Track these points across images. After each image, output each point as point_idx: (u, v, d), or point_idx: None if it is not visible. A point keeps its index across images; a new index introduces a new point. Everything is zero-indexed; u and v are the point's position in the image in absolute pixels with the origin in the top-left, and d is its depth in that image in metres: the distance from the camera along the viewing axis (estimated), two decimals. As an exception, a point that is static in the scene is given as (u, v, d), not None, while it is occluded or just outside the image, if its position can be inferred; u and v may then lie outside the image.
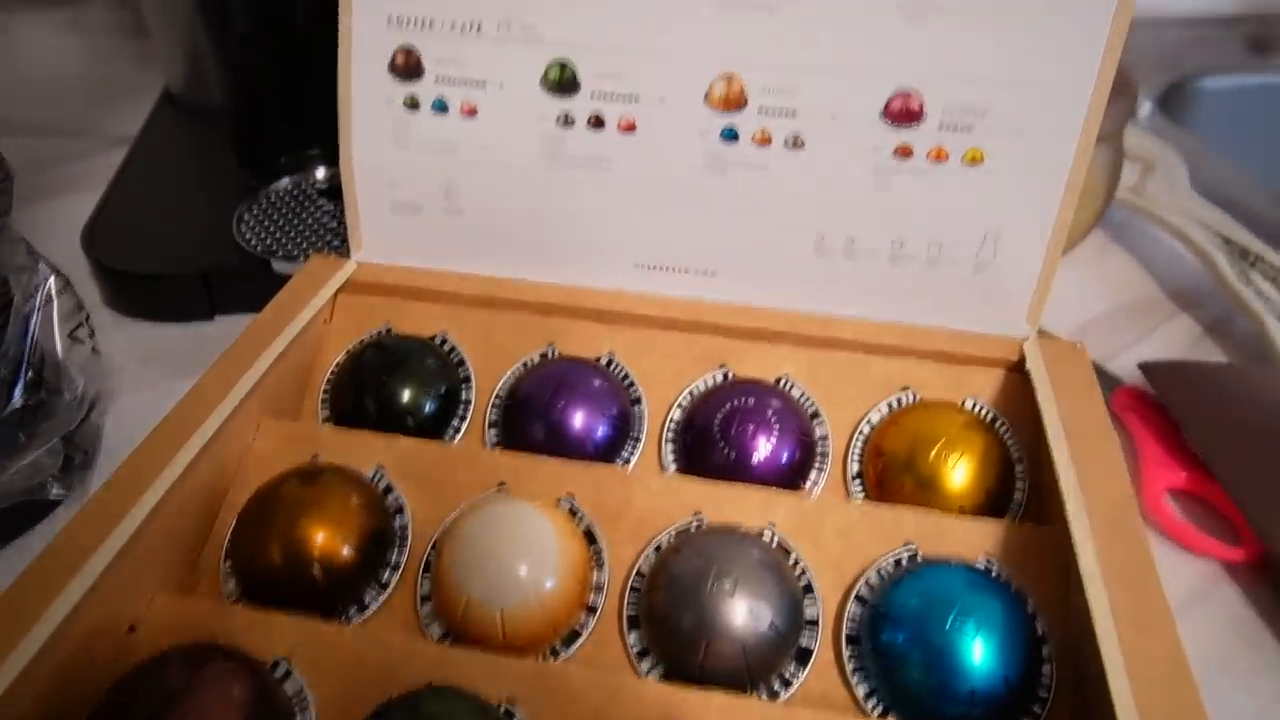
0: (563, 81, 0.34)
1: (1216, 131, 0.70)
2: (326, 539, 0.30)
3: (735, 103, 0.33)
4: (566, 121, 0.34)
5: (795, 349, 0.36)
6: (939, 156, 0.32)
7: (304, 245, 0.44)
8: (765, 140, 0.33)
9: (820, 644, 0.28)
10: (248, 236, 0.44)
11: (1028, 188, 0.32)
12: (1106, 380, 0.40)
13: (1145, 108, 0.66)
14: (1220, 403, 0.36)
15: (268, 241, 0.44)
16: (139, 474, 0.29)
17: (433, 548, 0.31)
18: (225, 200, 0.47)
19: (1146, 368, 0.38)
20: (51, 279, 0.32)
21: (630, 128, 0.34)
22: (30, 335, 0.30)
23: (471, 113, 0.35)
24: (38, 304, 0.31)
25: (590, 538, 0.31)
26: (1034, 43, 0.30)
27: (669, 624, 0.28)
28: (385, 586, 0.30)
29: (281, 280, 0.43)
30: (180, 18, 0.53)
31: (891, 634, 0.28)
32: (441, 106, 0.35)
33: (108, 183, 0.50)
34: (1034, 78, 0.31)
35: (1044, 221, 0.32)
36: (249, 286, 0.43)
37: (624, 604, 0.29)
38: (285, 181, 0.49)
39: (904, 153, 0.32)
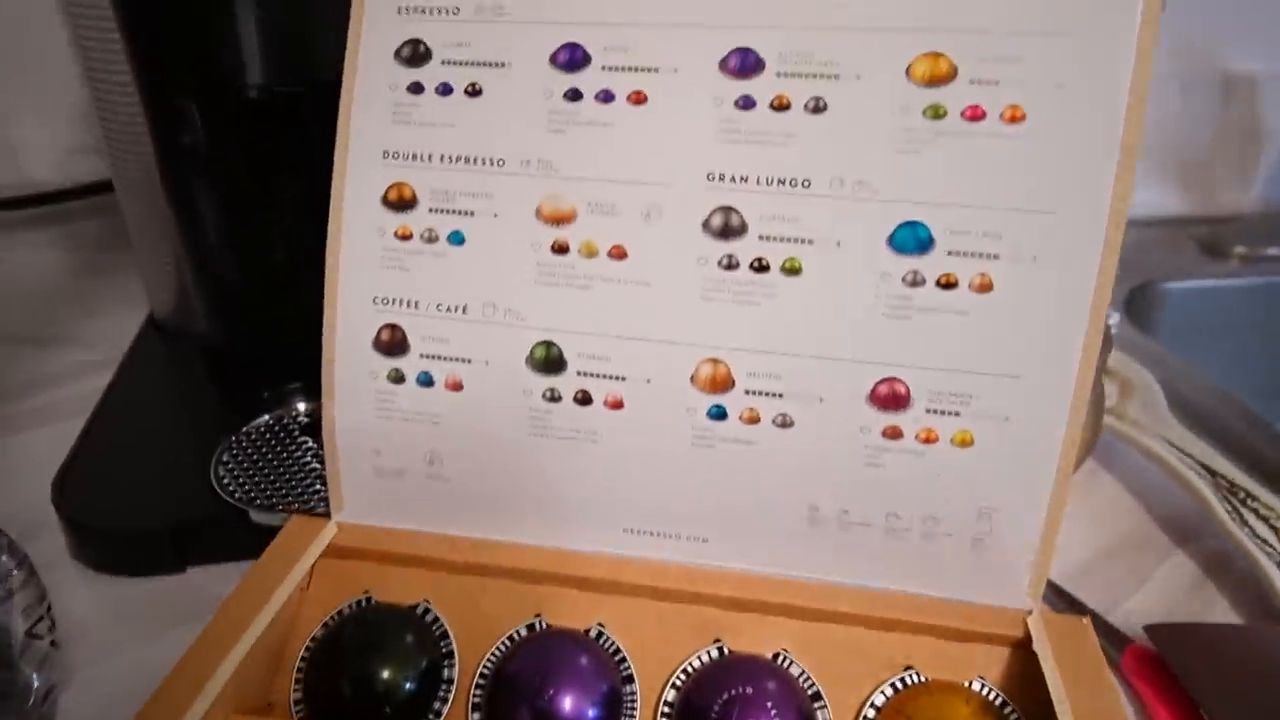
0: (549, 361, 0.34)
1: (1181, 335, 0.73)
2: None
3: (722, 385, 0.33)
4: (553, 398, 0.34)
5: (792, 621, 0.34)
6: (928, 439, 0.32)
7: (283, 491, 0.43)
8: (753, 419, 0.33)
9: None
10: (226, 482, 0.43)
11: (1018, 469, 0.32)
12: (1114, 638, 0.39)
13: (1114, 317, 0.68)
14: (1233, 671, 0.35)
15: (246, 487, 0.43)
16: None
17: None
18: (204, 438, 0.46)
19: (1154, 632, 0.37)
20: (14, 574, 0.31)
21: (618, 405, 0.34)
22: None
23: (457, 387, 0.35)
24: (-3, 599, 0.30)
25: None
26: (1014, 340, 0.31)
27: None
28: None
29: (259, 530, 0.42)
30: (163, 249, 0.54)
31: None
32: (427, 381, 0.35)
33: (85, 415, 0.49)
34: (1017, 371, 0.31)
35: (1038, 500, 0.32)
36: (225, 538, 0.42)
37: None
38: (266, 418, 0.48)
39: (893, 434, 0.32)
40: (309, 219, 0.40)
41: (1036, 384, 0.31)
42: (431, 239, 0.35)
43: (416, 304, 0.35)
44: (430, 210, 0.34)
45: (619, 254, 0.33)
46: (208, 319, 0.50)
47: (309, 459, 0.46)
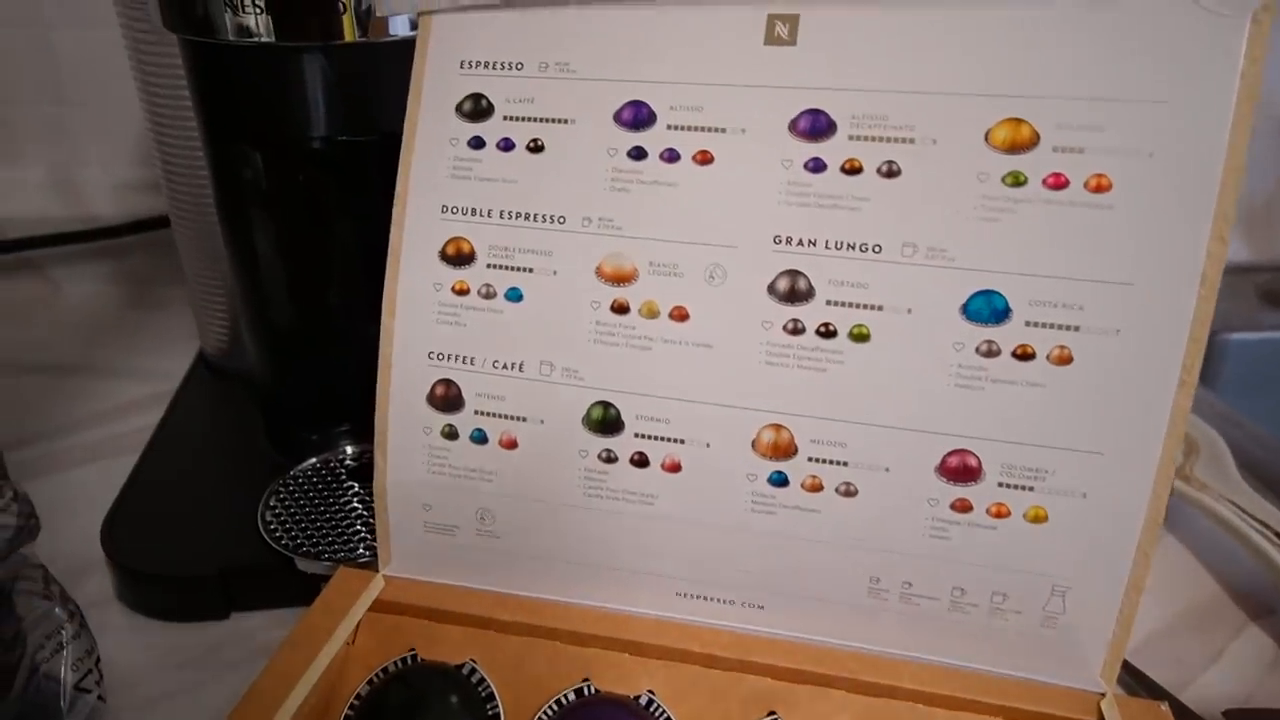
0: (605, 421, 0.33)
1: (1244, 388, 0.70)
2: None
3: (784, 451, 0.32)
4: (609, 459, 0.34)
5: (850, 696, 0.33)
6: (999, 513, 0.31)
7: (330, 538, 0.43)
8: (816, 487, 0.32)
9: None
10: (273, 528, 0.43)
11: (1096, 549, 0.31)
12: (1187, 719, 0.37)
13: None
14: (1320, 764, 0.33)
15: (293, 533, 0.43)
16: None
17: None
18: (252, 480, 0.46)
19: (1233, 717, 0.35)
20: (65, 629, 0.31)
21: (675, 468, 0.33)
22: (33, 687, 0.28)
23: (511, 445, 0.34)
24: (46, 655, 0.29)
25: None
26: (1094, 414, 0.30)
27: None
28: None
29: (305, 579, 0.42)
30: (216, 288, 0.55)
31: None
32: (481, 438, 0.35)
33: (134, 452, 0.50)
34: (1097, 446, 0.30)
35: (1115, 580, 0.31)
36: (271, 583, 0.42)
37: None
38: (313, 461, 0.48)
39: (962, 507, 0.31)
40: (364, 266, 0.40)
41: (1117, 461, 0.30)
42: (489, 295, 0.34)
43: (472, 360, 0.34)
44: (488, 266, 0.34)
45: (681, 315, 0.33)
46: (258, 359, 0.50)
47: (355, 504, 0.45)
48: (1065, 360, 0.30)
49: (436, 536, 0.36)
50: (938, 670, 0.33)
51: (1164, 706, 0.31)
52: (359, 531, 0.44)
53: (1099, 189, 0.29)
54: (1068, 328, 0.30)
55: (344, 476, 0.48)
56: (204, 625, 0.42)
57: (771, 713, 0.33)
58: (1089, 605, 0.31)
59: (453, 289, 0.34)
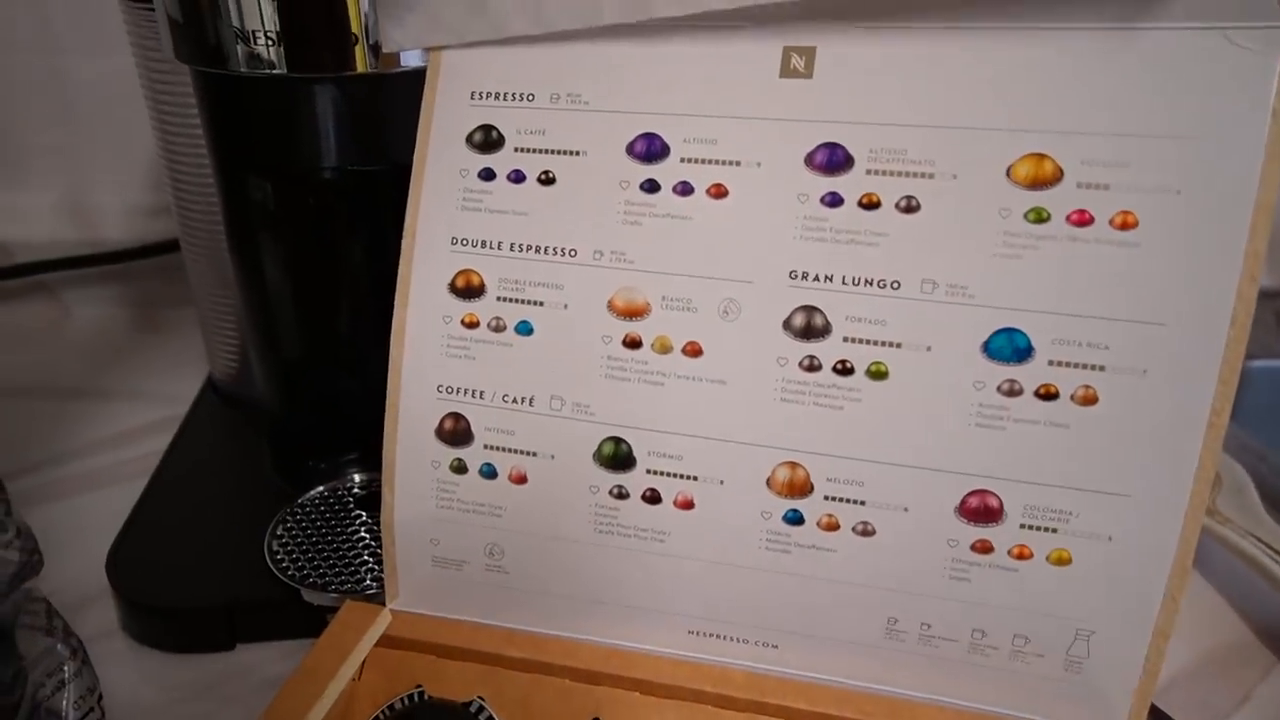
0: (617, 457, 0.33)
1: (1267, 419, 0.69)
2: None
3: (800, 489, 0.32)
4: (620, 495, 0.33)
5: (867, 740, 0.32)
6: (1021, 555, 0.30)
7: (337, 570, 0.42)
8: (832, 526, 0.31)
9: None
10: (280, 558, 0.43)
11: (1122, 593, 0.30)
12: (1213, 766, 0.36)
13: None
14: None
15: (300, 564, 0.42)
16: None
17: None
18: (259, 509, 0.46)
19: (1262, 765, 0.34)
20: (67, 666, 0.30)
21: (688, 505, 0.33)
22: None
23: (521, 480, 0.34)
24: (48, 692, 0.29)
25: None
26: (1120, 456, 0.29)
27: None
28: None
29: (310, 611, 0.41)
30: (226, 312, 0.54)
31: None
32: (490, 473, 0.34)
33: (140, 479, 0.49)
34: (1123, 488, 0.29)
35: (1141, 624, 0.30)
36: (277, 615, 0.41)
37: None
38: (321, 489, 0.48)
39: (983, 549, 0.30)
40: (373, 295, 0.39)
41: (1144, 504, 0.29)
42: (499, 328, 0.34)
43: (481, 394, 0.34)
44: (498, 299, 0.34)
45: (694, 351, 0.32)
46: (266, 386, 0.50)
47: (363, 534, 0.45)
48: (1090, 400, 0.29)
49: (444, 571, 0.36)
50: (957, 713, 0.32)
51: (1192, 757, 0.30)
52: (366, 562, 0.43)
53: (1125, 226, 0.28)
54: (1093, 367, 0.29)
55: (352, 505, 0.47)
56: (208, 657, 0.41)
57: (786, 757, 0.32)
58: (1114, 650, 0.31)
59: (462, 321, 0.34)
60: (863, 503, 0.31)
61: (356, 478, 0.49)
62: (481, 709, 0.34)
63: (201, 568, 0.43)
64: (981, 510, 0.31)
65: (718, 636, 0.34)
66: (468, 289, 0.34)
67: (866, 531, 0.32)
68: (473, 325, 0.34)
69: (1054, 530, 0.30)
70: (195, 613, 0.40)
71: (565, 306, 0.33)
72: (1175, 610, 0.30)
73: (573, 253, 0.33)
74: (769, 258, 0.31)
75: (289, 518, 0.46)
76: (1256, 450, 0.57)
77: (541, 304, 0.33)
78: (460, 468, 0.35)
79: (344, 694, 0.34)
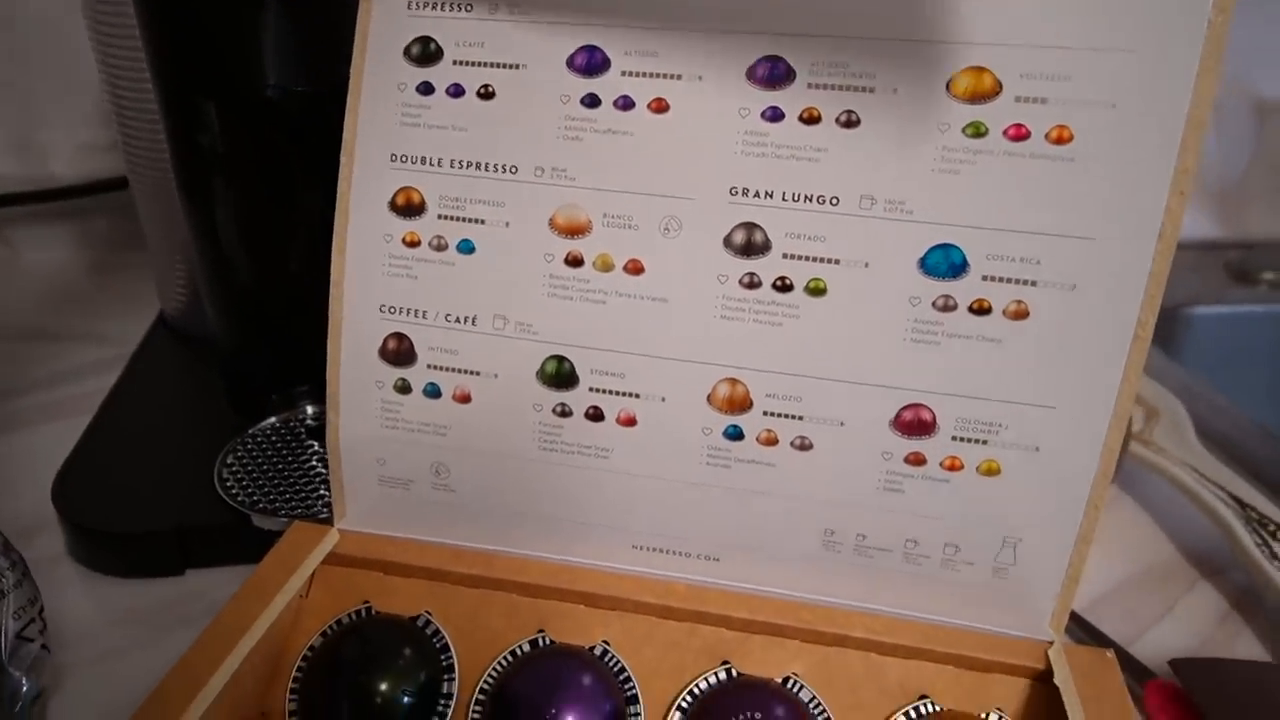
0: (560, 375, 0.33)
1: (1207, 361, 0.71)
2: None
3: (740, 405, 0.32)
4: (563, 413, 0.33)
5: (804, 645, 0.33)
6: (953, 466, 0.31)
7: (287, 496, 0.42)
8: (771, 441, 0.32)
9: None
10: (230, 485, 0.43)
11: (1048, 501, 0.31)
12: (1135, 670, 0.38)
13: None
14: (1262, 711, 0.33)
15: (250, 491, 0.42)
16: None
17: None
18: (210, 440, 0.45)
19: (1179, 666, 0.36)
20: (6, 576, 0.30)
21: (630, 422, 0.33)
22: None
23: (465, 399, 0.34)
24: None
25: None
26: (1049, 369, 0.30)
27: None
28: None
29: (261, 535, 0.41)
30: (176, 246, 0.54)
31: None
32: (434, 392, 0.34)
33: (91, 413, 0.49)
34: (1050, 400, 0.30)
35: (1066, 533, 0.31)
36: (226, 541, 0.41)
37: None
38: (273, 420, 0.47)
39: (916, 460, 0.31)
40: (323, 224, 0.39)
41: (1071, 415, 0.30)
42: (440, 247, 0.34)
43: (424, 314, 0.34)
44: (439, 217, 0.34)
45: (636, 269, 0.32)
46: (218, 320, 0.49)
47: (314, 463, 0.45)
48: (1022, 315, 0.30)
49: (391, 490, 0.36)
50: (890, 620, 0.33)
51: (1109, 653, 0.32)
52: (318, 490, 0.43)
53: (1060, 140, 0.29)
54: (1025, 282, 0.30)
55: (304, 436, 0.47)
56: (158, 582, 0.41)
57: (725, 662, 0.33)
58: (1039, 556, 0.32)
59: (403, 240, 0.34)
60: (801, 418, 0.32)
61: (309, 409, 0.49)
62: (428, 623, 0.35)
63: (149, 493, 0.43)
64: (915, 424, 0.31)
65: (661, 551, 0.35)
66: (408, 207, 0.34)
67: (804, 446, 0.32)
68: (414, 244, 0.34)
69: (984, 442, 0.31)
70: (143, 537, 0.40)
71: (507, 225, 0.33)
72: (1096, 517, 0.31)
73: (513, 169, 0.33)
74: (710, 174, 0.31)
75: (239, 447, 0.46)
76: (1196, 390, 0.59)
77: (483, 222, 0.33)
78: (404, 387, 0.35)
79: (290, 609, 0.35)
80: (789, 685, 0.33)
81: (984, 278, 0.30)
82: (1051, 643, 0.32)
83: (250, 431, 0.47)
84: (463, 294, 0.34)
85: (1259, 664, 0.39)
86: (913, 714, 0.32)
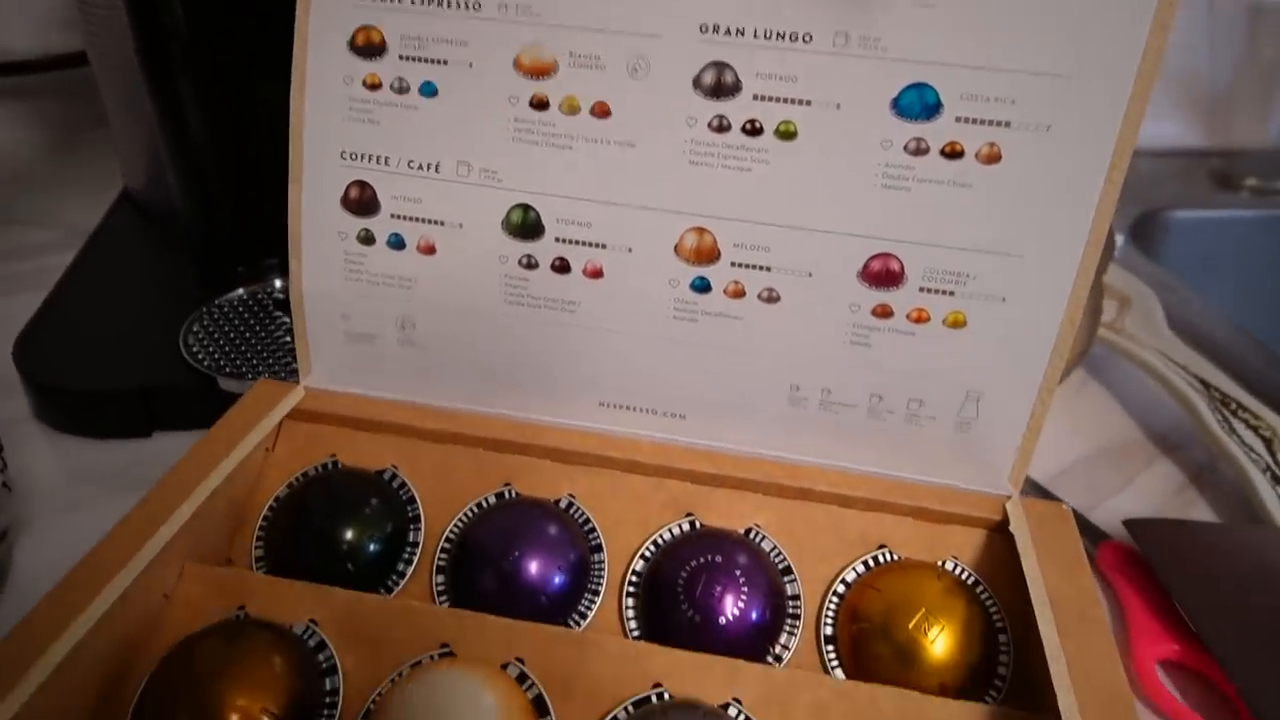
0: (525, 225, 0.32)
1: (1186, 264, 0.71)
2: (244, 707, 0.27)
3: (707, 255, 0.32)
4: (529, 264, 0.33)
5: (767, 499, 0.34)
6: (919, 318, 0.31)
7: (255, 363, 0.42)
8: (738, 293, 0.32)
9: (789, 839, 0.26)
10: (195, 350, 0.42)
11: (1012, 353, 0.31)
12: (1091, 533, 0.38)
13: (1117, 239, 0.66)
14: (1210, 567, 0.34)
15: (216, 356, 0.42)
16: (36, 634, 0.26)
17: (364, 718, 0.28)
18: (176, 309, 0.45)
19: (1132, 525, 0.37)
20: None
21: (597, 273, 0.33)
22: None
23: (429, 250, 0.33)
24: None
25: (541, 708, 0.28)
26: (1019, 215, 0.29)
27: (622, 816, 0.25)
28: (310, 759, 0.27)
29: (228, 399, 0.41)
30: (140, 118, 0.52)
31: (867, 833, 0.25)
32: (398, 242, 0.34)
33: (51, 288, 0.48)
34: (1019, 249, 0.30)
35: (1029, 385, 0.31)
36: (192, 404, 0.41)
37: (573, 787, 0.26)
38: (240, 292, 0.47)
39: (883, 313, 0.31)
40: (289, 93, 0.38)
41: (1039, 264, 0.30)
42: (402, 89, 0.33)
43: (386, 160, 0.33)
44: (401, 57, 0.32)
45: (602, 111, 0.31)
46: (182, 194, 0.48)
47: (282, 334, 0.45)
48: (994, 159, 0.29)
49: (357, 346, 0.36)
50: (853, 476, 0.34)
51: (1065, 506, 0.32)
52: (286, 360, 0.43)
53: (1037, -27, 0.28)
54: (999, 123, 0.29)
55: (272, 308, 0.46)
56: (125, 444, 0.41)
57: (689, 515, 0.34)
58: (1001, 410, 0.32)
59: (364, 83, 0.33)
60: (768, 269, 0.32)
61: (278, 283, 0.48)
62: (395, 476, 0.35)
63: (113, 354, 0.42)
64: (883, 274, 0.31)
65: (627, 408, 0.35)
66: (368, 46, 0.33)
67: (771, 298, 0.32)
68: (375, 86, 0.33)
69: (951, 293, 0.31)
70: (106, 395, 0.40)
71: (470, 65, 0.32)
72: (1061, 367, 0.31)
73: (476, 5, 0.31)
74: (678, 8, 0.30)
75: (206, 316, 0.45)
76: (1170, 284, 0.59)
77: (445, 63, 0.32)
78: (367, 238, 0.34)
79: (255, 461, 0.35)
80: (751, 536, 0.33)
81: (957, 119, 0.29)
82: (1009, 497, 0.33)
83: (217, 301, 0.46)
84: (425, 139, 0.33)
85: (1209, 524, 0.40)
86: (871, 562, 0.32)
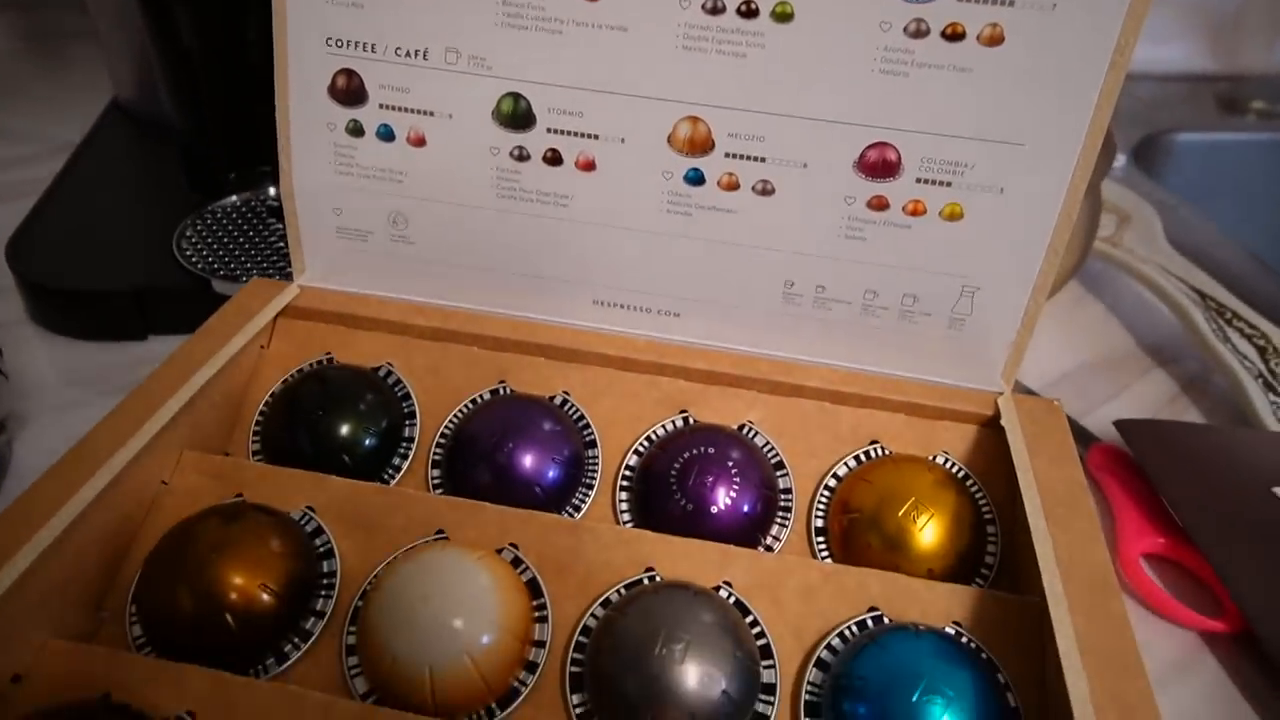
0: (516, 115, 0.32)
1: (1189, 186, 0.70)
2: (243, 584, 0.27)
3: (701, 146, 0.31)
4: (521, 156, 0.32)
5: (760, 396, 0.34)
6: (915, 211, 0.31)
7: (249, 266, 0.42)
8: (732, 185, 0.31)
9: (777, 713, 0.26)
10: (189, 253, 0.42)
11: (1008, 246, 0.31)
12: (1082, 437, 0.39)
13: (1120, 160, 0.66)
14: (1198, 466, 0.35)
15: (210, 259, 0.42)
16: (36, 506, 0.26)
17: (361, 598, 0.28)
18: (168, 215, 0.44)
19: (1123, 426, 0.37)
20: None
21: (589, 166, 0.32)
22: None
23: (419, 142, 0.33)
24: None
25: (535, 590, 0.28)
26: (1020, 101, 0.29)
27: (614, 688, 0.26)
28: (308, 637, 0.28)
29: (221, 301, 0.41)
30: (130, 27, 0.51)
31: (853, 705, 0.26)
32: (387, 134, 0.33)
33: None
34: (1019, 136, 0.29)
35: (1023, 281, 0.31)
36: (187, 306, 0.41)
37: (566, 664, 0.27)
38: (234, 198, 0.46)
39: (879, 205, 0.31)
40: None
41: (1038, 152, 0.29)
42: None
43: (373, 47, 0.32)
44: None
45: None
46: (174, 102, 0.47)
47: (276, 239, 0.44)
48: (996, 40, 0.29)
49: (350, 243, 0.36)
50: (846, 373, 0.34)
51: (1056, 402, 0.32)
52: (280, 263, 0.43)
53: None
54: (1003, 1, 0.28)
55: (265, 215, 0.46)
56: (121, 346, 0.41)
57: (683, 411, 0.34)
58: (996, 305, 0.32)
59: None
60: (763, 159, 0.31)
61: (271, 190, 0.48)
62: (390, 373, 0.35)
63: (109, 256, 0.42)
64: (879, 164, 0.31)
65: (621, 306, 0.35)
66: None
67: (766, 190, 0.32)
68: None
69: (948, 184, 0.31)
70: (100, 295, 0.40)
71: None
72: (1056, 262, 0.31)
73: None
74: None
75: (199, 221, 0.45)
76: (1170, 203, 0.59)
77: None
78: (356, 129, 0.34)
79: (250, 357, 0.35)
80: (744, 431, 0.33)
81: None
82: (1001, 393, 0.33)
83: (210, 207, 0.46)
84: (412, 24, 0.32)
85: (1196, 425, 0.40)
86: (863, 457, 0.33)
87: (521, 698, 0.26)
